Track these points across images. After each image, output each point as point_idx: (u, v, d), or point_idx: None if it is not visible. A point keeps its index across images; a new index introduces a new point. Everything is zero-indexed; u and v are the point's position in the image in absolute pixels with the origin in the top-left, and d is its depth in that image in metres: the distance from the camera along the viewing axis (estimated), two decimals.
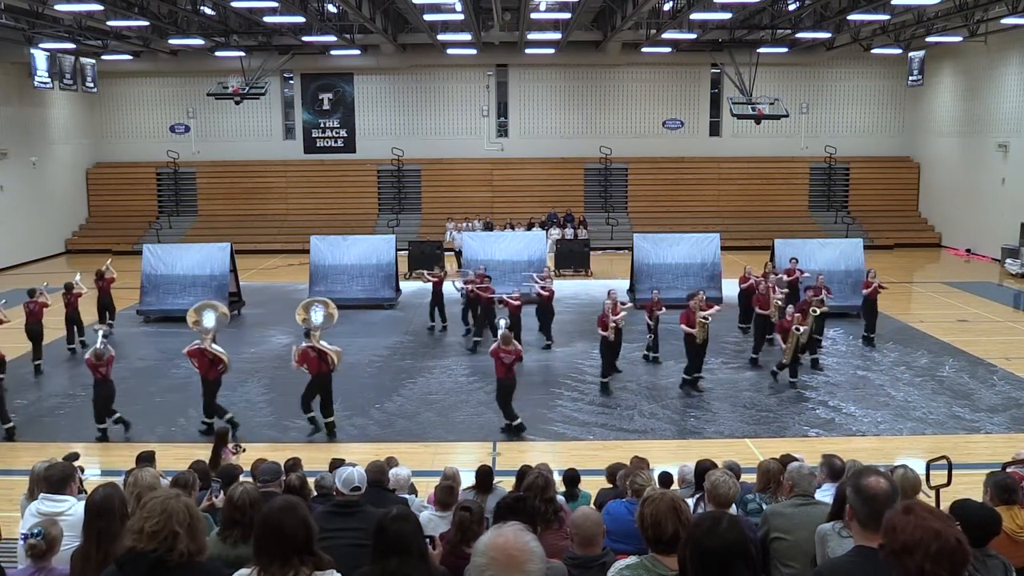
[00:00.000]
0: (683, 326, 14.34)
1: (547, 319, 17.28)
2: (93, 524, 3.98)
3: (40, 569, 4.31)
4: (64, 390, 14.87)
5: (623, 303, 14.77)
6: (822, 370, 15.53)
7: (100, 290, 18.57)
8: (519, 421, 12.60)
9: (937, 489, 6.81)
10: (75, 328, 17.42)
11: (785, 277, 17.67)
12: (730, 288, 21.67)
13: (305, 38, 26.67)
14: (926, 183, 32.83)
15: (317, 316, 13.50)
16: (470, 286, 17.22)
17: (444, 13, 23.92)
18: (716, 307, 15.32)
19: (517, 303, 16.06)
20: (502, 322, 13.69)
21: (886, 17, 23.22)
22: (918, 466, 6.24)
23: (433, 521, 6.32)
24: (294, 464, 7.90)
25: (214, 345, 12.66)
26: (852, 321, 19.11)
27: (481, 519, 5.16)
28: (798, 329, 14.29)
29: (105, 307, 18.69)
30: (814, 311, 15.11)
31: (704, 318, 14.23)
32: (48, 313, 16.48)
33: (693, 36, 26.26)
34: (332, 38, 26.60)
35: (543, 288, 17.13)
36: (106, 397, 12.49)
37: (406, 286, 22.88)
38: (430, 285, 19.14)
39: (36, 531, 4.34)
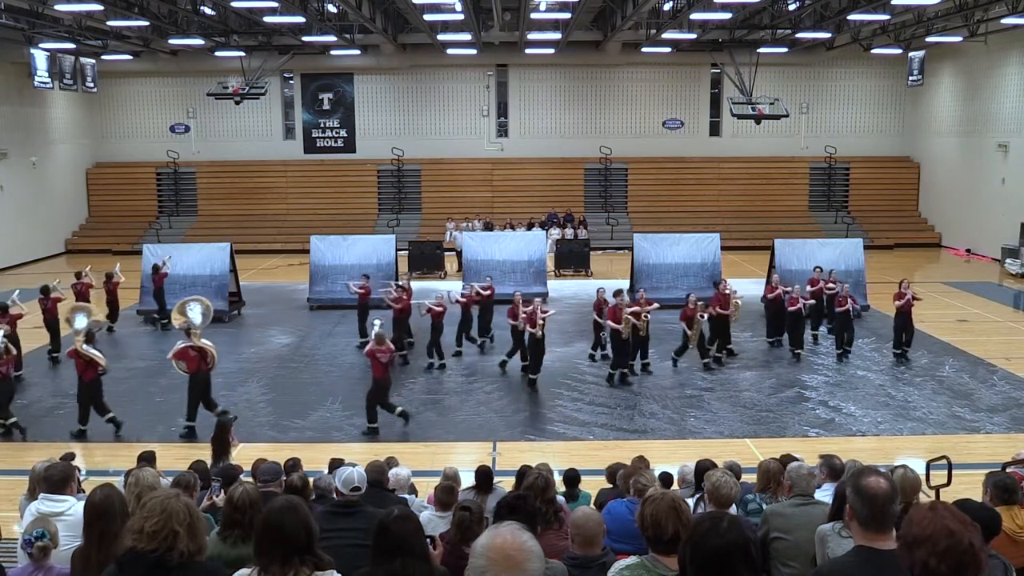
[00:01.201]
0: (609, 322, 14.93)
1: (464, 325, 16.91)
2: (94, 525, 3.98)
3: (39, 568, 4.32)
4: (64, 390, 14.83)
5: (545, 310, 15.01)
6: (735, 355, 16.36)
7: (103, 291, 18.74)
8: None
9: (937, 489, 6.79)
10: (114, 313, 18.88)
11: (809, 287, 17.32)
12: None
13: (305, 38, 26.67)
14: (926, 183, 32.82)
15: (195, 315, 13.52)
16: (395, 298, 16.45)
17: (444, 13, 23.92)
18: (654, 304, 15.67)
19: (440, 309, 15.86)
20: (377, 322, 13.72)
21: (886, 17, 23.22)
22: (918, 466, 6.24)
23: (433, 521, 6.32)
24: (294, 464, 7.90)
25: (86, 346, 12.61)
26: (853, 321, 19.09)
27: (481, 519, 5.16)
28: (702, 317, 15.46)
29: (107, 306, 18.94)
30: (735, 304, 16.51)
31: (629, 315, 14.65)
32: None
33: (693, 36, 26.25)
34: (332, 38, 26.60)
35: (462, 295, 16.83)
36: (5, 394, 12.63)
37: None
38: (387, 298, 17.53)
39: (39, 532, 4.33)
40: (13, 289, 17.61)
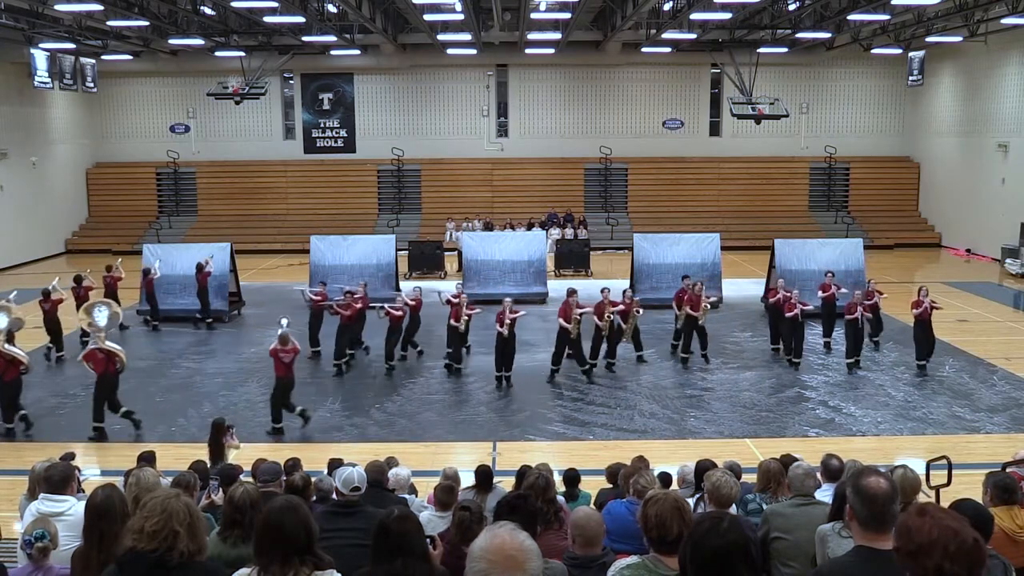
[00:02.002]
0: (560, 320, 15.03)
1: (411, 330, 16.59)
2: (95, 526, 3.98)
3: (39, 568, 4.31)
4: (64, 390, 14.86)
5: (515, 310, 15.10)
6: (686, 363, 16.06)
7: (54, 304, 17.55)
8: (292, 418, 12.73)
9: (937, 489, 6.80)
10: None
11: (820, 292, 16.83)
12: (729, 289, 21.69)
13: (305, 38, 26.66)
14: (926, 183, 32.82)
15: (101, 317, 13.57)
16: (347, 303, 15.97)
17: (444, 13, 23.92)
18: (619, 304, 15.88)
19: (399, 313, 15.60)
20: (284, 321, 13.70)
21: (886, 17, 23.22)
22: (918, 466, 6.24)
23: (432, 521, 6.32)
24: (294, 464, 7.89)
25: (7, 345, 12.69)
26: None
27: (481, 518, 5.16)
28: (638, 312, 16.04)
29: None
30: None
31: (579, 315, 14.87)
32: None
33: (693, 36, 26.25)
34: (332, 38, 26.60)
35: (413, 299, 16.40)
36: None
37: (406, 286, 22.84)
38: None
39: (39, 533, 4.32)
40: (43, 282, 17.62)
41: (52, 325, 16.68)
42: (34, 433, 12.79)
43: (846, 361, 15.61)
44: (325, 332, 16.74)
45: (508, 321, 14.65)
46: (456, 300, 15.82)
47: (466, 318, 15.24)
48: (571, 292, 15.43)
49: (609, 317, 15.05)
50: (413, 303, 16.17)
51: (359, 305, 16.02)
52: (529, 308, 18.52)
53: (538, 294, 21.49)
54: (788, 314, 15.81)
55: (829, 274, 17.30)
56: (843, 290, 16.78)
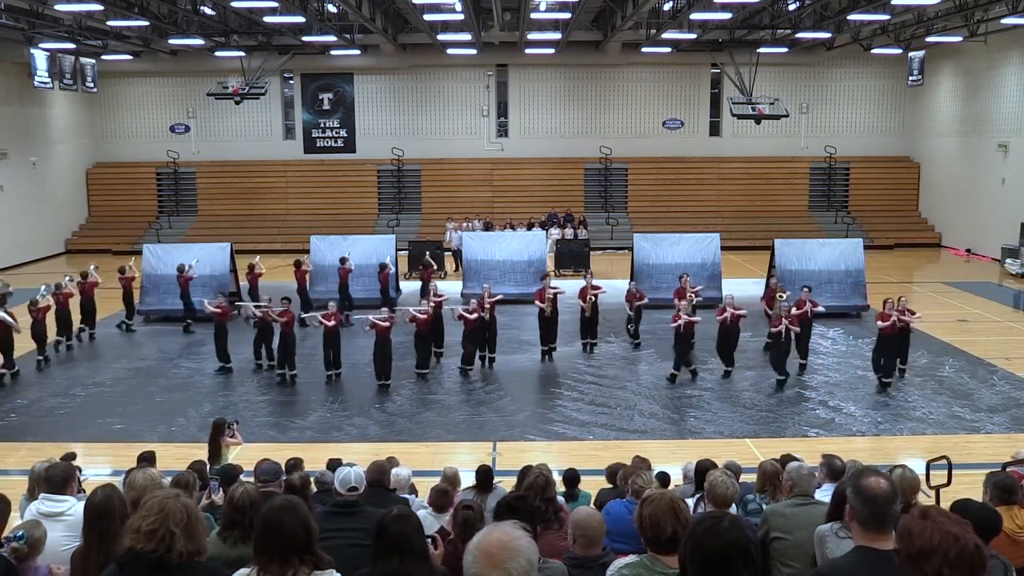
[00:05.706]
0: (536, 302, 16.17)
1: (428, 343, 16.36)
2: (94, 526, 3.97)
3: (22, 572, 4.26)
4: (64, 389, 14.86)
5: (493, 294, 16.10)
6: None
7: (82, 293, 17.95)
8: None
9: (937, 489, 6.80)
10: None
11: (795, 309, 15.13)
12: (729, 289, 21.63)
13: (305, 38, 26.67)
14: (926, 183, 32.82)
15: None
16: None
17: (444, 13, 23.93)
18: (602, 288, 16.98)
19: (386, 325, 14.55)
20: None
21: (886, 17, 23.22)
22: (918, 466, 6.24)
23: (428, 520, 6.32)
24: (295, 464, 7.90)
25: None
26: (852, 321, 19.16)
27: (482, 517, 5.16)
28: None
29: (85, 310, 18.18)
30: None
31: (552, 295, 16.11)
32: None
33: (693, 36, 26.25)
34: (332, 38, 26.60)
35: (423, 313, 15.68)
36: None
37: (406, 286, 22.89)
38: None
39: (19, 534, 4.27)
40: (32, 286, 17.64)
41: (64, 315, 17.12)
42: (36, 434, 12.77)
43: (776, 378, 14.65)
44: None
45: (488, 306, 15.36)
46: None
47: (435, 303, 15.97)
48: (544, 276, 17.17)
49: (551, 299, 16.10)
50: (424, 316, 15.06)
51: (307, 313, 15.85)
52: (528, 308, 18.51)
53: None
54: (718, 317, 15.13)
55: (805, 289, 15.97)
56: (819, 308, 15.75)
